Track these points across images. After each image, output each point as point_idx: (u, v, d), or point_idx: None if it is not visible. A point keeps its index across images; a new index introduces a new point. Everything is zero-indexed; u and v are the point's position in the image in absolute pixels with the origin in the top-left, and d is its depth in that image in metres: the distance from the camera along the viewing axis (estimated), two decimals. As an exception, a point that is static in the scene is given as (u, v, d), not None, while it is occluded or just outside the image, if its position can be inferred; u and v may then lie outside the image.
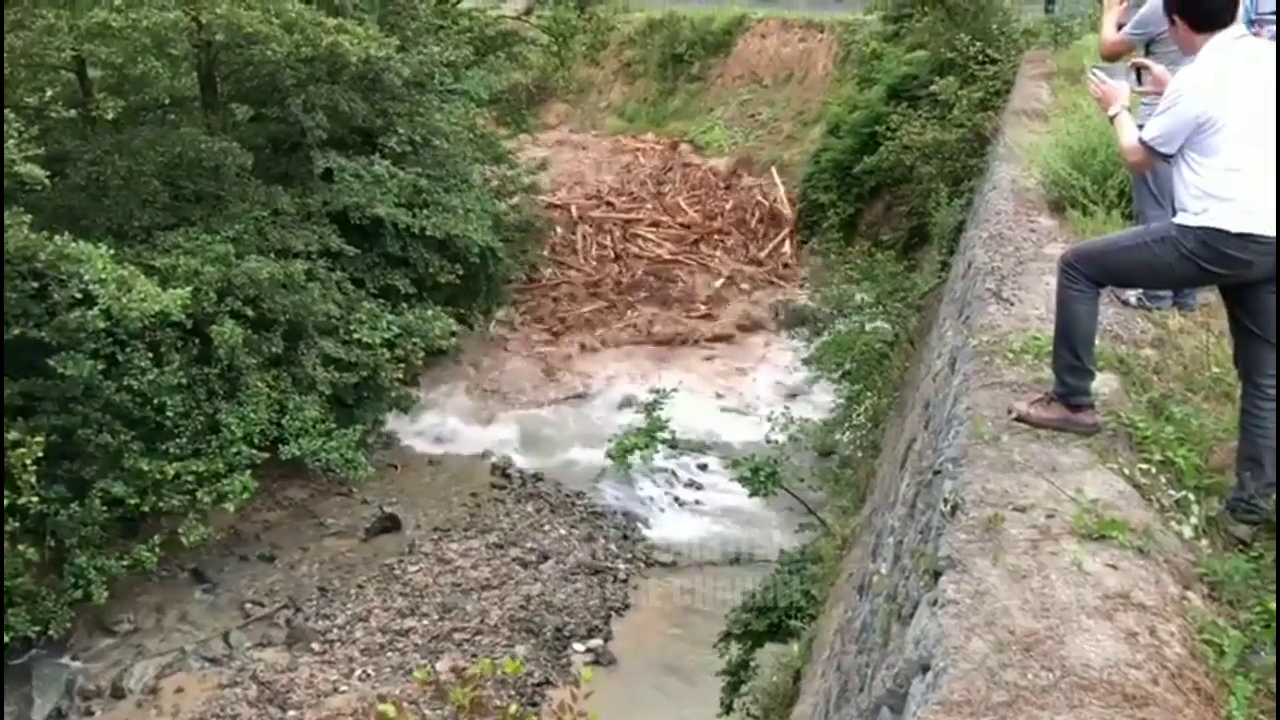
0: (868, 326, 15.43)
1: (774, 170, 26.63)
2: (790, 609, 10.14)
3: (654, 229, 26.25)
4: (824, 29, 30.00)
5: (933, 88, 18.38)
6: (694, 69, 31.98)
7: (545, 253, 24.58)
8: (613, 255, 25.08)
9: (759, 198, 26.30)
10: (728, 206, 26.80)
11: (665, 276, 24.32)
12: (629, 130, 30.92)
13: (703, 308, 23.00)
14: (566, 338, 21.64)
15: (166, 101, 16.23)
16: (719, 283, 23.93)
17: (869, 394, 12.88)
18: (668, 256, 25.17)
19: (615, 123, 31.74)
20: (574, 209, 26.43)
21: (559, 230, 25.31)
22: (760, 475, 12.83)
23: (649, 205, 27.23)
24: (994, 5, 18.63)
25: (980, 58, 17.73)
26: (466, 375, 19.71)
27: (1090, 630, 3.13)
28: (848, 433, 12.54)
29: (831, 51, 28.94)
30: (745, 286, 23.88)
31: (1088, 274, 4.31)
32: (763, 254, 25.00)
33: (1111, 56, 6.46)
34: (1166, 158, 4.21)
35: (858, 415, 12.53)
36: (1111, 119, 4.67)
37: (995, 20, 18.46)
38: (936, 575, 3.62)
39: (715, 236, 25.94)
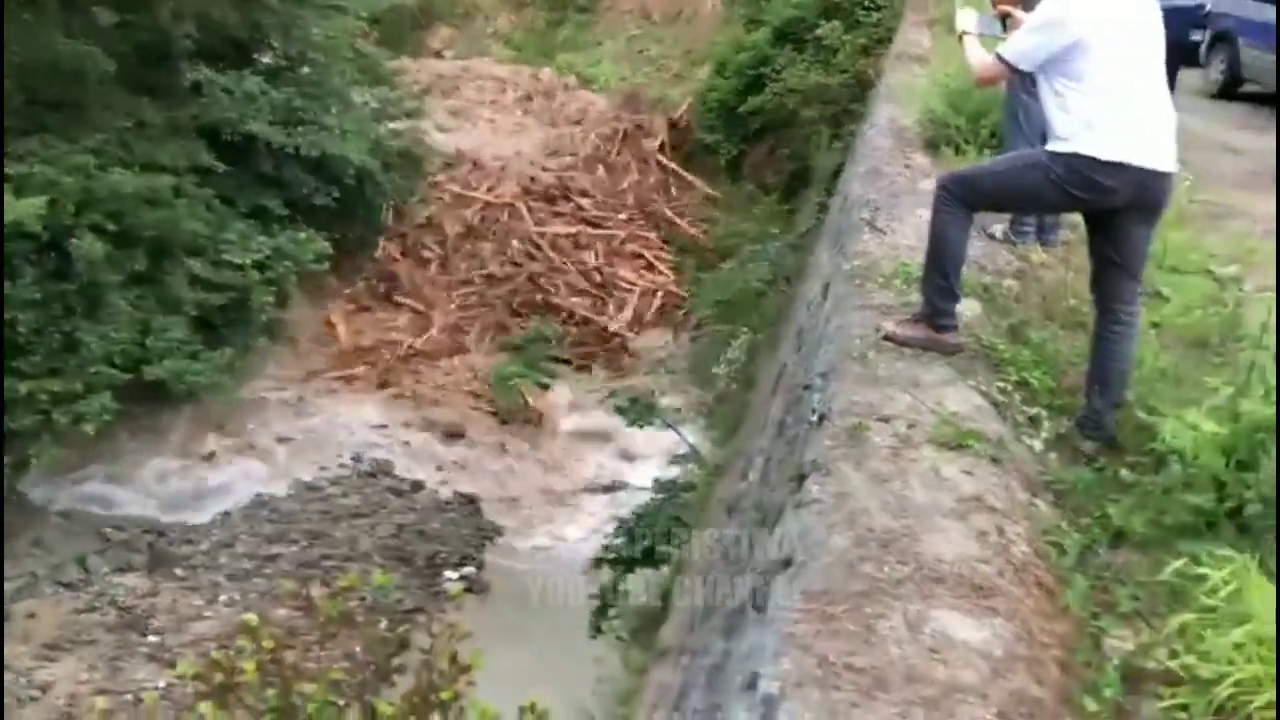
0: (748, 266, 15.69)
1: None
2: (661, 534, 10.32)
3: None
4: (714, -33, 29.88)
5: (818, 31, 18.53)
6: (583, 1, 31.55)
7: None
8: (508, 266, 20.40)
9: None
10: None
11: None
12: (518, 59, 30.37)
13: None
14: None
15: (20, -1, 15.25)
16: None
17: (744, 330, 13.09)
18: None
19: (502, 51, 31.14)
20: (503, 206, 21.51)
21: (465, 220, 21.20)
22: (637, 407, 13.00)
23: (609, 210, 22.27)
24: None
25: (865, 4, 17.97)
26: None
27: (944, 530, 3.29)
28: (723, 367, 12.72)
29: (720, -9, 28.88)
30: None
31: (961, 197, 4.43)
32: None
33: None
34: (1021, 74, 4.32)
35: (733, 351, 12.72)
36: (960, 38, 4.80)
37: (881, -34, 18.65)
38: (801, 479, 3.74)
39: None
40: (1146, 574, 3.31)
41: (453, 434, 15.93)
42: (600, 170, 23.55)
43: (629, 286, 20.11)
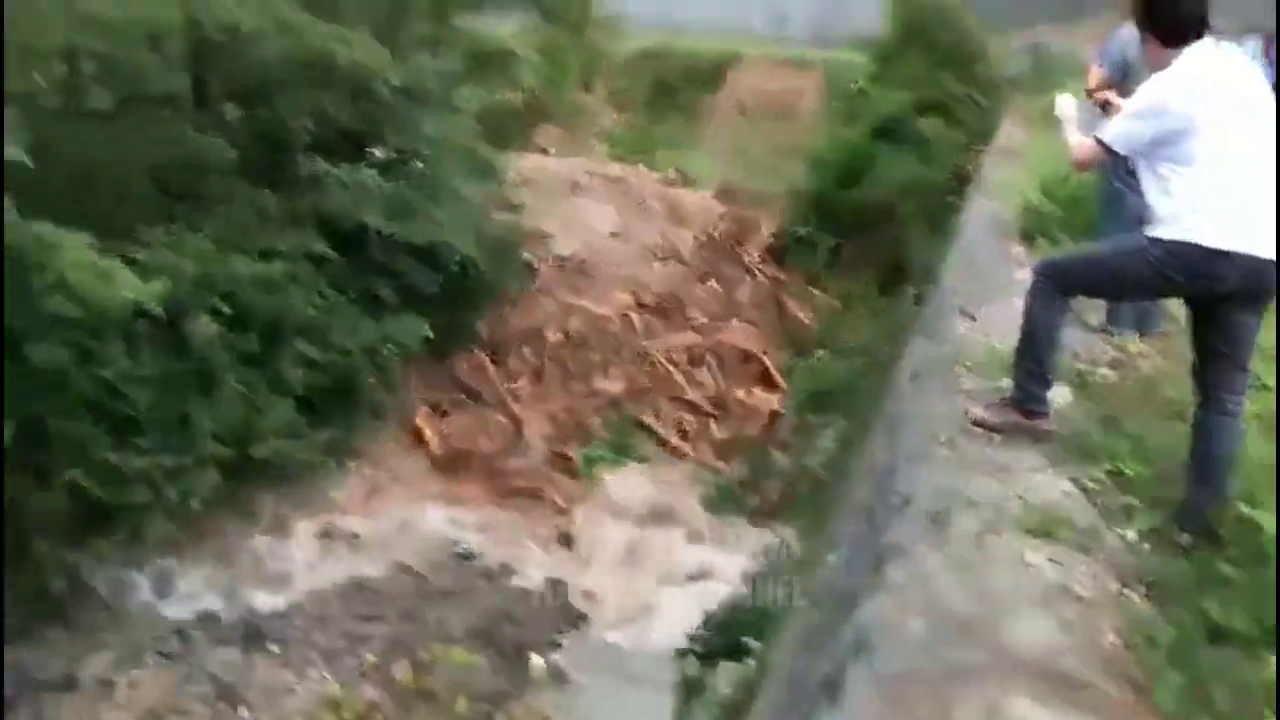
0: (842, 357, 15.66)
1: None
2: (748, 627, 10.16)
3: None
4: (812, 66, 30.40)
5: (917, 126, 18.67)
6: (684, 100, 32.28)
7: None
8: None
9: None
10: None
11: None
12: (621, 156, 31.10)
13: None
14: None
15: (157, 97, 16.22)
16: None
17: (839, 419, 12.97)
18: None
19: (606, 149, 31.96)
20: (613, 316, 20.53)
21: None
22: (728, 496, 12.94)
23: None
24: (980, 50, 18.97)
25: (965, 100, 18.08)
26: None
27: (1027, 617, 3.21)
28: (815, 457, 12.60)
29: (819, 89, 29.31)
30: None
31: (1057, 282, 4.35)
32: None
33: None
34: (1118, 157, 4.25)
35: (825, 440, 12.61)
36: (1058, 124, 4.77)
37: (981, 65, 18.80)
38: (880, 563, 3.68)
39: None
40: (1246, 674, 3.16)
41: (542, 522, 15.98)
42: (707, 275, 23.72)
43: (742, 406, 18.52)
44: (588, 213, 27.39)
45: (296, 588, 14.33)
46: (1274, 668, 3.04)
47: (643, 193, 29.18)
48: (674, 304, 21.37)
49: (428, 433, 17.94)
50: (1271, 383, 5.19)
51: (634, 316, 20.40)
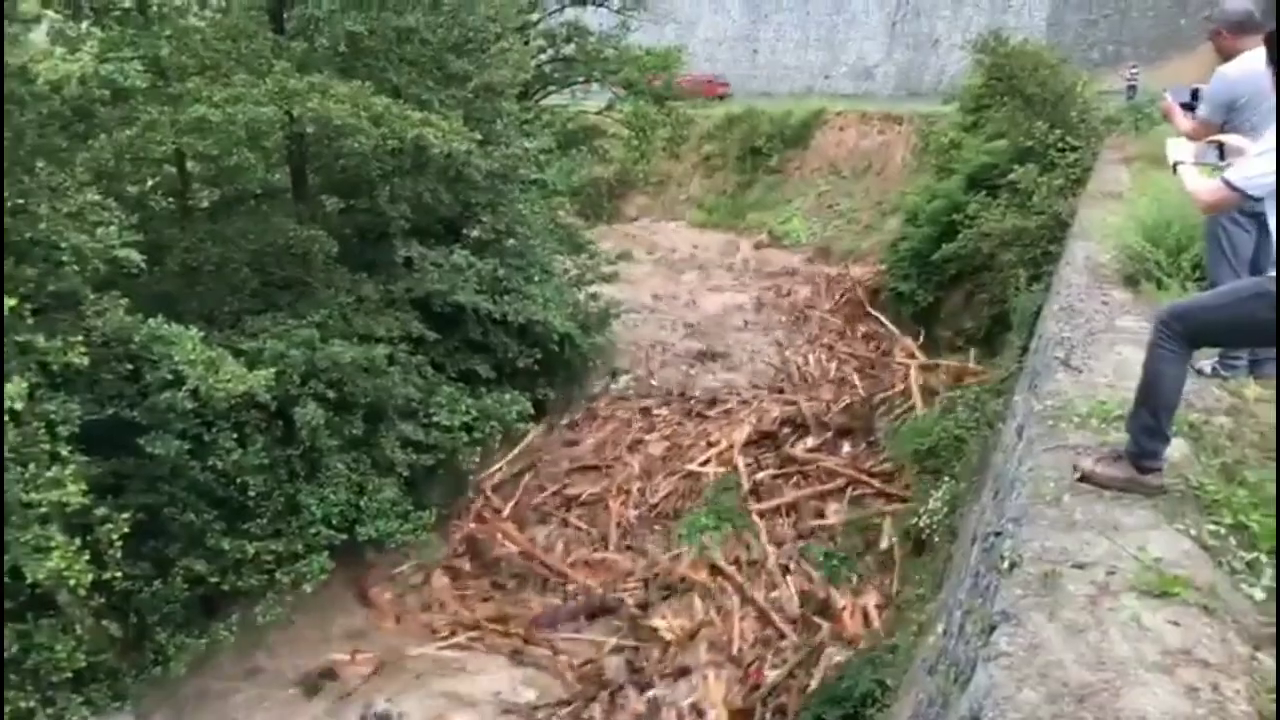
0: (947, 413, 15.29)
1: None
2: (864, 698, 9.85)
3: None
4: (902, 121, 30.30)
5: (1012, 176, 18.35)
6: (772, 161, 32.45)
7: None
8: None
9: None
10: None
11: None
12: (709, 222, 31.29)
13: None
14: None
15: (259, 192, 16.94)
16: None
17: (946, 479, 12.64)
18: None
19: (695, 214, 32.20)
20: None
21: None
22: (833, 561, 12.66)
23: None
24: (1073, 94, 18.63)
25: (1060, 145, 17.71)
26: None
27: (1148, 684, 3.01)
28: (924, 519, 12.27)
29: (909, 142, 29.15)
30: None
31: (1181, 333, 4.14)
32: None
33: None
34: (1252, 199, 4.09)
35: (934, 501, 12.27)
36: (1174, 169, 4.62)
37: (1075, 108, 18.44)
38: (991, 630, 3.52)
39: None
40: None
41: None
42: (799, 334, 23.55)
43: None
44: (672, 283, 27.64)
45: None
46: None
47: (731, 257, 29.31)
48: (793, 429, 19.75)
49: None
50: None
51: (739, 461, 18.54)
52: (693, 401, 21.35)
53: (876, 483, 17.02)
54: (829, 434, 19.10)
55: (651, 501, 17.85)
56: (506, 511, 17.93)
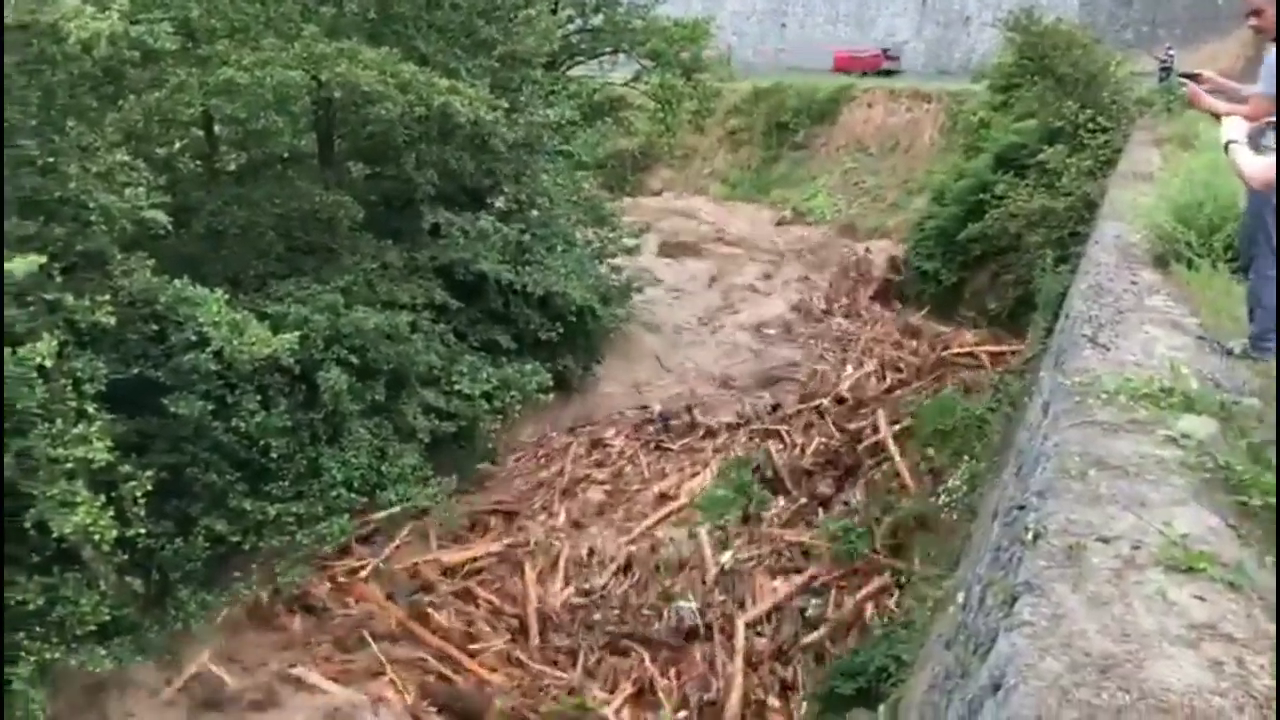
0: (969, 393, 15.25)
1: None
2: (879, 673, 9.89)
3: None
4: (931, 99, 30.05)
5: (1041, 156, 18.23)
6: (798, 137, 32.25)
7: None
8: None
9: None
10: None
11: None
12: (734, 196, 31.16)
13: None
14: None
15: (285, 156, 16.97)
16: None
17: (966, 458, 12.61)
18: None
19: (719, 189, 32.07)
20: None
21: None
22: (850, 537, 12.67)
23: None
24: (1106, 74, 18.44)
25: (1090, 126, 17.56)
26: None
27: (1173, 657, 3.01)
28: (943, 497, 12.26)
29: (938, 121, 28.94)
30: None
31: None
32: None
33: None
34: None
35: (954, 479, 12.26)
36: (1226, 147, 4.61)
37: (1107, 89, 18.27)
38: (1013, 600, 3.52)
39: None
40: None
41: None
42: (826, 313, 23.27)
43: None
44: (694, 259, 27.48)
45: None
46: None
47: (753, 232, 29.17)
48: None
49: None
50: None
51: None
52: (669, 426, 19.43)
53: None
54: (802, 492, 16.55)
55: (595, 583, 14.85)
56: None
